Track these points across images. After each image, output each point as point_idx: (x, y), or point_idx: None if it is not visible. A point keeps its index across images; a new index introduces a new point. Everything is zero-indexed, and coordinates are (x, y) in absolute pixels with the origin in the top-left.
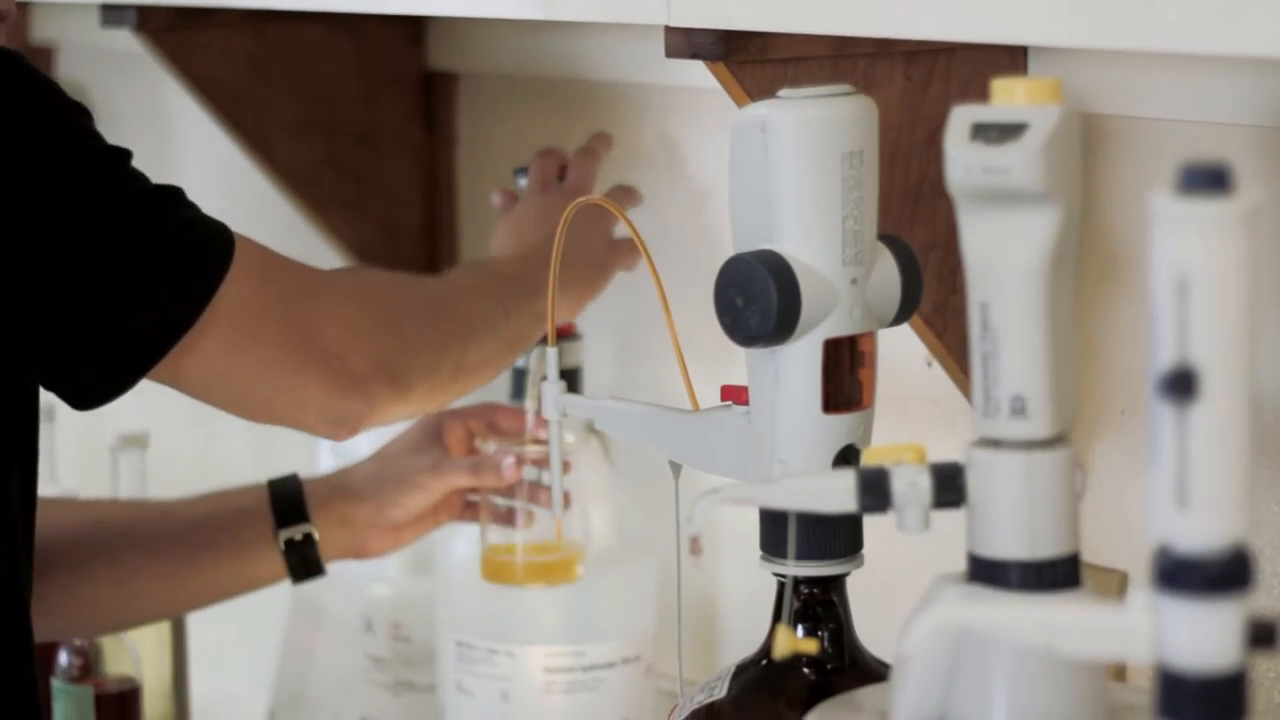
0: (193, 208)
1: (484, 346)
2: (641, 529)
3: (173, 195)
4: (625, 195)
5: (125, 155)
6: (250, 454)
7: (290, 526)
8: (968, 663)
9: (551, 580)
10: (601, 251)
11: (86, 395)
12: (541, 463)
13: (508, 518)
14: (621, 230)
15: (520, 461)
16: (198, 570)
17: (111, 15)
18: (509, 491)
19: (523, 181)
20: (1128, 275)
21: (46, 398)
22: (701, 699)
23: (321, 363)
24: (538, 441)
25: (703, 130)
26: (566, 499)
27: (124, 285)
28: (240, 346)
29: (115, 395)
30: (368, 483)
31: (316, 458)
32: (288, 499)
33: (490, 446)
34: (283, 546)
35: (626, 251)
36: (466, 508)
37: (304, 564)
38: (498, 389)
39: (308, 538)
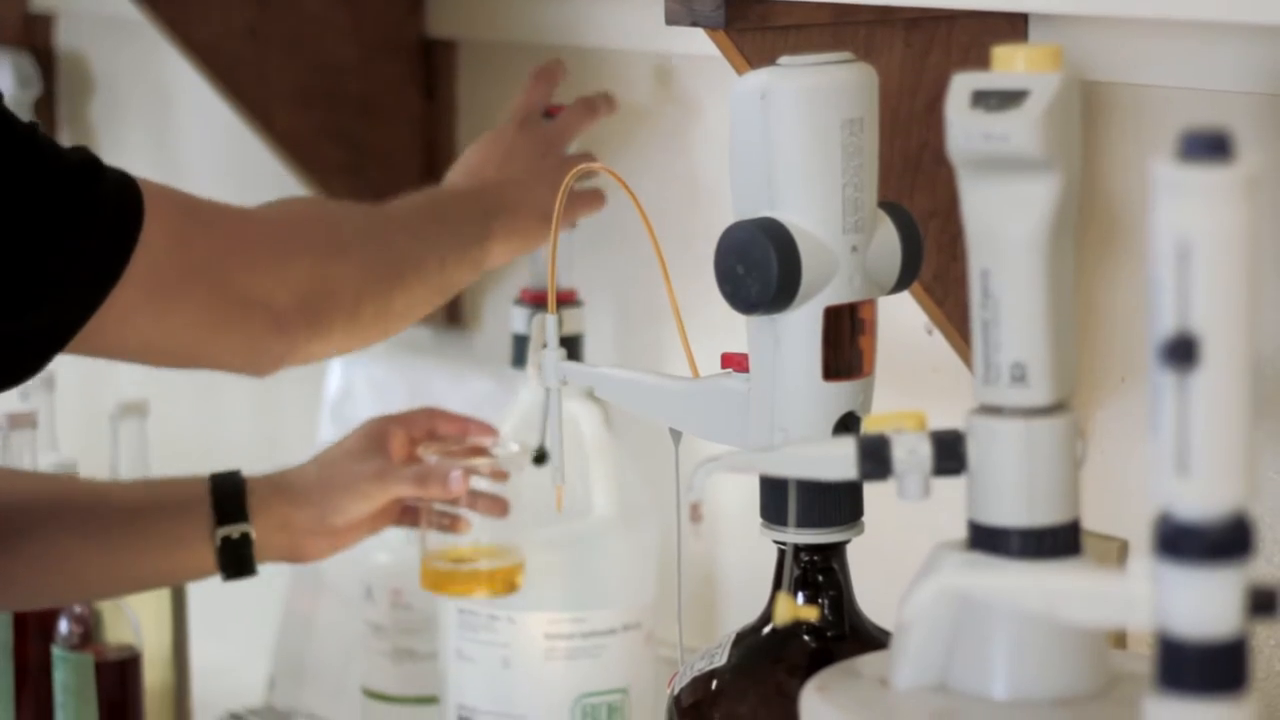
0: (100, 179)
1: (411, 293)
2: (642, 496)
3: (79, 171)
4: (601, 104)
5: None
6: (251, 421)
7: (229, 525)
8: (968, 630)
9: (495, 590)
10: (551, 204)
11: None
12: (482, 472)
13: (450, 525)
14: (605, 189)
15: (467, 474)
16: (128, 558)
17: None
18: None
19: None
20: (1128, 243)
21: (48, 367)
22: (702, 666)
23: (244, 312)
24: (479, 449)
25: (703, 98)
26: (502, 508)
27: (33, 274)
28: (161, 311)
29: (16, 384)
30: (311, 487)
31: (317, 426)
32: (229, 497)
33: (431, 455)
34: (219, 544)
35: (581, 206)
36: (404, 513)
37: (237, 563)
38: (497, 359)
39: (245, 537)
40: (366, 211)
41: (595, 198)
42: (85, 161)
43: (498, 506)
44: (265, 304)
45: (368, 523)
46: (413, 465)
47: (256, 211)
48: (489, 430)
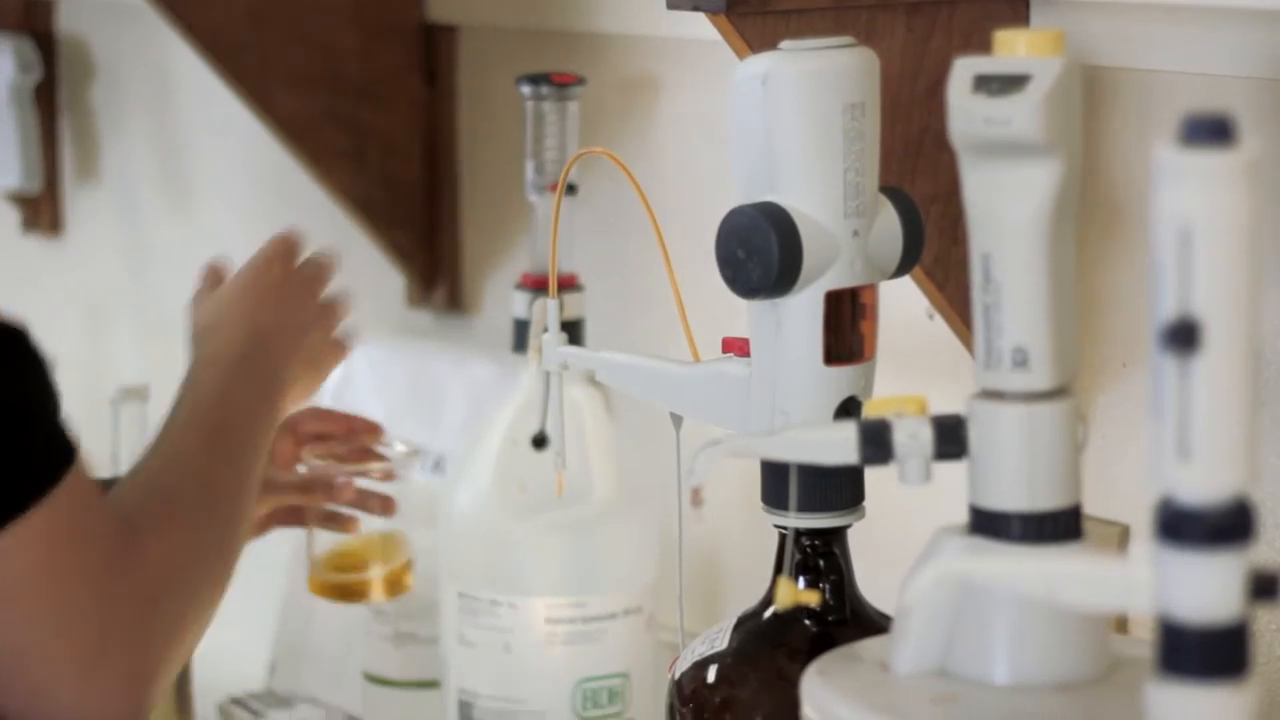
0: (49, 447)
1: (242, 543)
2: (643, 481)
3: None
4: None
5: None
6: None
7: None
8: (969, 615)
9: (384, 593)
10: (318, 351)
11: None
12: (372, 476)
13: (338, 524)
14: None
15: (351, 479)
16: None
17: None
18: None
19: (525, 89)
20: (1130, 228)
21: (49, 351)
22: (703, 650)
23: (101, 659)
24: (365, 451)
25: (704, 83)
26: (390, 507)
27: None
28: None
29: None
30: None
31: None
32: None
33: (315, 460)
34: None
35: (332, 353)
36: (291, 514)
37: None
38: (498, 343)
39: None
40: (207, 489)
41: (338, 348)
42: (61, 442)
43: (386, 506)
44: (126, 662)
45: (254, 528)
46: (299, 474)
47: (131, 534)
48: (375, 429)
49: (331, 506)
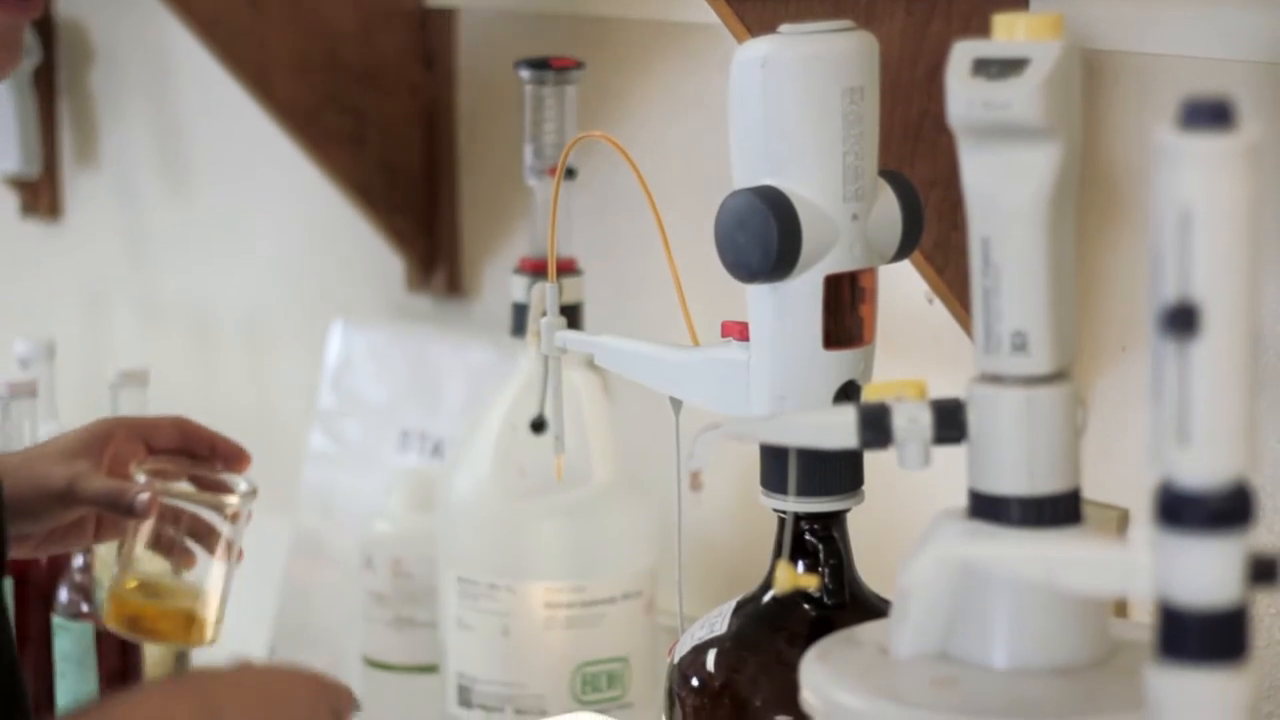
0: None
1: None
2: (642, 465)
3: None
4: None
5: None
6: (251, 391)
7: None
8: (968, 598)
9: (179, 639)
10: None
11: None
12: (189, 498)
13: (166, 549)
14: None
15: (156, 499)
16: None
17: None
18: (173, 522)
19: (524, 73)
20: (1130, 212)
21: (48, 335)
22: (702, 635)
23: None
24: (206, 480)
25: (703, 67)
26: (233, 553)
27: None
28: None
29: None
30: (7, 480)
31: (317, 395)
32: None
33: (141, 473)
34: None
35: None
36: (78, 527)
37: None
38: (497, 327)
39: None
40: None
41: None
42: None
43: (223, 551)
44: None
45: (78, 531)
46: (111, 481)
47: None
48: (240, 457)
49: (177, 533)
